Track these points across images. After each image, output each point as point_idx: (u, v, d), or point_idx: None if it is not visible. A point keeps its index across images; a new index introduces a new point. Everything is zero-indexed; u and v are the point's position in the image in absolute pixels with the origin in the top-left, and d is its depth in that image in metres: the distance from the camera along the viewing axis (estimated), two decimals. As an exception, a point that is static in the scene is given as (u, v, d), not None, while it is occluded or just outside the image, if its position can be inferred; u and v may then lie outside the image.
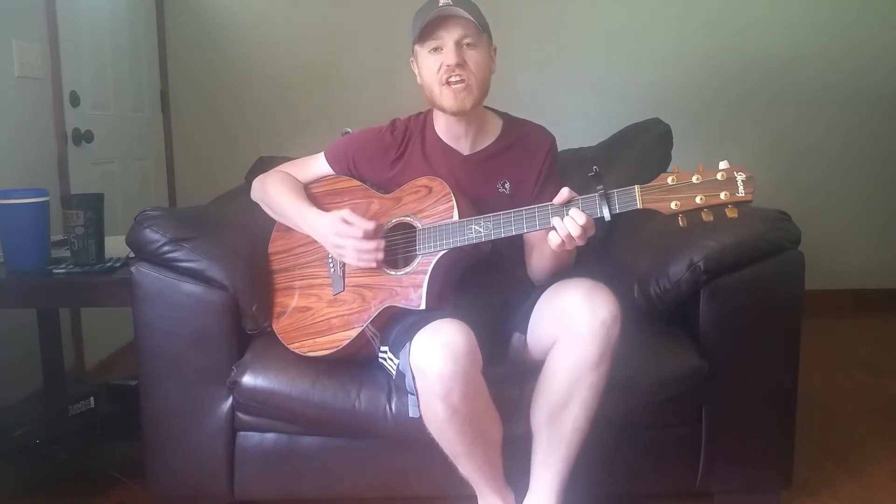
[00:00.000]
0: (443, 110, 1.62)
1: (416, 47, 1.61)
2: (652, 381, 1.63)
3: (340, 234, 1.57)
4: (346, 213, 1.58)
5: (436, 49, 1.57)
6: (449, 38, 1.56)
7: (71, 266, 1.86)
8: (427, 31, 1.57)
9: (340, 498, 1.79)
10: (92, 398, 2.02)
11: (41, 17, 2.48)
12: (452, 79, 1.56)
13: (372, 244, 1.56)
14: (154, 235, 1.65)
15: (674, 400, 1.68)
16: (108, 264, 1.87)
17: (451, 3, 1.56)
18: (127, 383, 2.10)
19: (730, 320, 1.69)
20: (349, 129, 3.03)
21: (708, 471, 1.73)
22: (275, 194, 1.75)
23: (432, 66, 1.58)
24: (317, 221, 1.64)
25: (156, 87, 3.33)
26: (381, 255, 1.56)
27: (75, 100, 2.64)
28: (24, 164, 2.37)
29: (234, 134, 3.38)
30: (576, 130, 1.82)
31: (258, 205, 1.82)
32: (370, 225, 1.56)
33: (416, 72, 1.66)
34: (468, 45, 1.57)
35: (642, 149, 2.21)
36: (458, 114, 1.61)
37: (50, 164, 2.52)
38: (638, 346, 1.54)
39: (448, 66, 1.56)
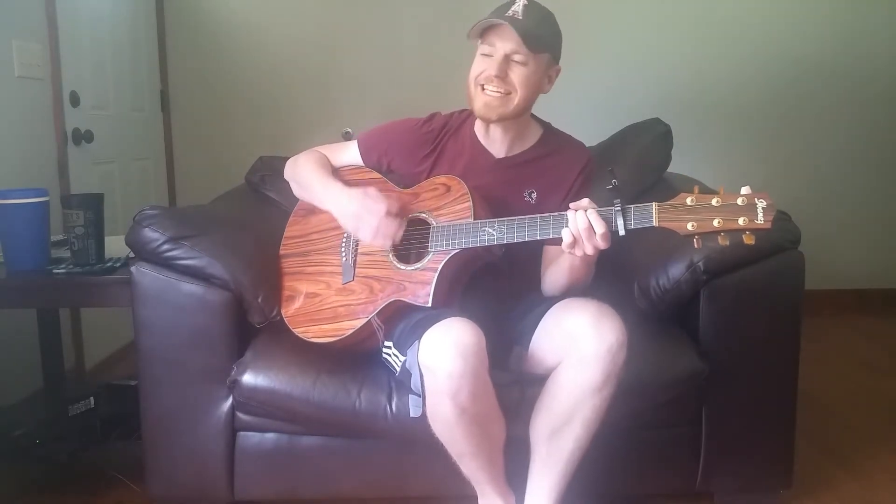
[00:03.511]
0: (472, 110, 1.64)
1: (478, 41, 1.62)
2: (652, 381, 1.63)
3: (366, 206, 1.57)
4: (371, 189, 1.59)
5: (488, 55, 1.58)
6: (501, 48, 1.56)
7: (71, 266, 1.86)
8: (486, 33, 1.58)
9: (340, 498, 1.79)
10: (92, 398, 2.02)
11: (41, 17, 2.48)
12: (489, 87, 1.57)
13: (394, 224, 1.56)
14: (153, 234, 1.65)
15: (674, 400, 1.68)
16: (108, 264, 1.87)
17: (519, 14, 1.55)
18: (127, 383, 2.10)
19: (730, 320, 1.69)
20: (349, 130, 3.04)
21: (708, 471, 1.73)
22: (304, 169, 1.76)
23: (478, 68, 1.60)
24: (341, 194, 1.64)
25: (156, 87, 3.33)
26: (398, 236, 1.56)
27: (75, 100, 2.64)
28: (24, 164, 2.37)
29: (234, 134, 3.38)
30: (576, 130, 1.81)
31: (259, 203, 1.83)
32: (395, 204, 1.57)
33: None
34: (517, 61, 1.57)
35: (642, 149, 2.21)
36: (483, 119, 1.63)
37: (50, 164, 2.52)
38: (638, 347, 1.53)
39: (489, 74, 1.57)
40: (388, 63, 3.35)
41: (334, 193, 1.66)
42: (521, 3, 1.57)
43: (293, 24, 3.37)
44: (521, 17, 1.55)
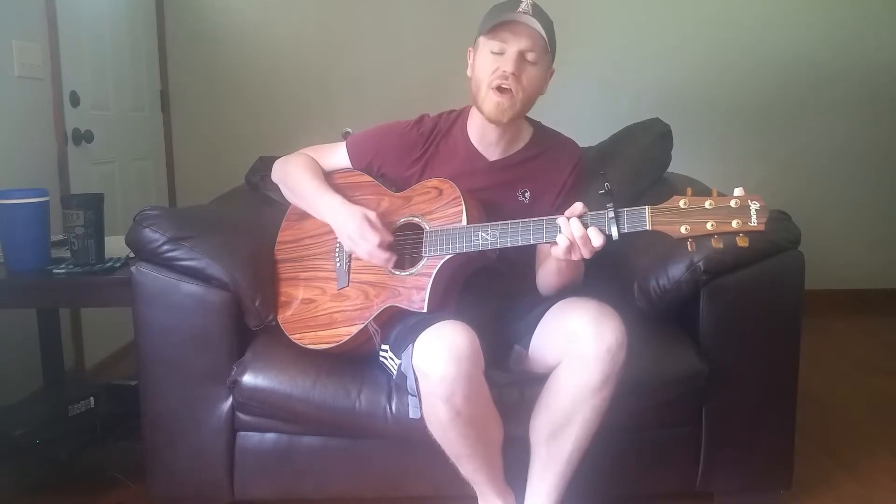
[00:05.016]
0: (481, 111, 1.60)
1: (481, 39, 1.58)
2: (652, 381, 1.63)
3: (362, 232, 1.55)
4: (372, 215, 1.57)
5: (498, 53, 1.55)
6: (515, 45, 1.53)
7: (71, 266, 1.86)
8: (497, 29, 1.54)
9: (340, 498, 1.79)
10: (92, 398, 2.02)
11: (41, 17, 2.48)
12: (503, 85, 1.54)
13: (385, 255, 1.55)
14: (153, 235, 1.64)
15: (674, 400, 1.68)
16: (108, 264, 1.87)
17: (530, 12, 1.53)
18: (127, 383, 2.10)
19: (730, 320, 1.69)
20: (349, 130, 3.04)
21: (708, 471, 1.73)
22: (296, 175, 1.74)
23: (489, 66, 1.56)
24: (339, 210, 1.61)
25: (156, 87, 3.33)
26: (391, 265, 1.56)
27: (75, 100, 2.64)
28: (24, 164, 2.37)
29: (234, 134, 3.38)
30: (576, 130, 1.81)
31: (259, 203, 1.82)
32: (389, 237, 1.56)
33: (469, 62, 1.63)
34: (530, 60, 1.55)
35: (642, 149, 2.21)
36: (494, 122, 1.59)
37: (50, 164, 2.52)
38: (638, 347, 1.53)
39: (504, 71, 1.53)
40: (388, 63, 3.35)
41: (332, 205, 1.64)
42: (528, 2, 1.55)
43: (293, 24, 3.37)
44: (532, 14, 1.53)
